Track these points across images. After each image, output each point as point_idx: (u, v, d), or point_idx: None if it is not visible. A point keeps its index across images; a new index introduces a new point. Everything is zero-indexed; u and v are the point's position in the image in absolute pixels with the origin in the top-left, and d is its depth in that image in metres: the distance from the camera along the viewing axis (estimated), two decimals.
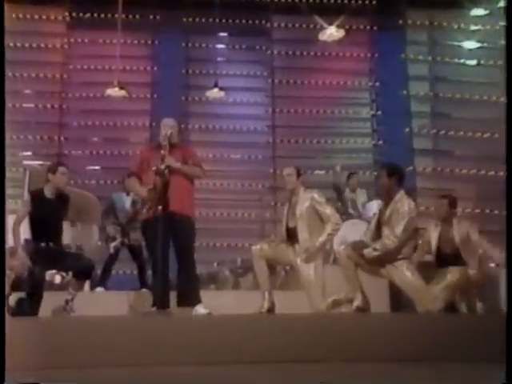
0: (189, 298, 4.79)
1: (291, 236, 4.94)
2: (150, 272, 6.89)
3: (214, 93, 10.43)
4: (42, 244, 5.00)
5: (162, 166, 4.65)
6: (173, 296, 4.81)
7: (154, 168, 4.65)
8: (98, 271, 7.03)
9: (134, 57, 11.08)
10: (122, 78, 9.86)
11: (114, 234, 7.02)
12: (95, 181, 10.29)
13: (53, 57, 11.03)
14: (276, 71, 11.33)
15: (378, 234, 4.59)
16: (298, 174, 5.06)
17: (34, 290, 4.86)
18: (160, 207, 4.51)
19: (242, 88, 11.18)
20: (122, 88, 9.70)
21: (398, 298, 4.62)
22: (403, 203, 4.47)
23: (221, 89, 10.36)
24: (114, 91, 9.77)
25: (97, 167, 10.55)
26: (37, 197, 5.11)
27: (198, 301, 4.81)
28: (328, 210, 4.88)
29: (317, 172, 10.61)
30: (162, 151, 4.77)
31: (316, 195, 4.93)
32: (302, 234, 4.86)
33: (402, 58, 11.11)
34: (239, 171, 10.74)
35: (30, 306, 4.80)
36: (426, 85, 11.25)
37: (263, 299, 4.82)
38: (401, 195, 4.55)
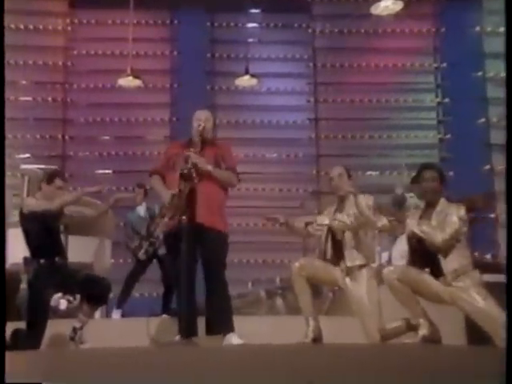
0: (219, 325, 4.80)
1: (337, 250, 4.88)
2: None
3: (245, 80, 10.48)
4: (42, 261, 5.01)
5: (188, 166, 4.65)
6: (201, 322, 4.86)
7: (179, 170, 4.67)
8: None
9: (149, 40, 11.22)
10: (136, 65, 9.95)
11: (140, 244, 7.21)
12: (106, 187, 10.40)
13: (53, 40, 11.26)
14: (318, 53, 11.36)
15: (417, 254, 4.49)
16: (349, 176, 5.03)
17: (36, 318, 4.88)
18: (184, 217, 4.52)
19: (277, 74, 11.24)
20: (136, 77, 9.80)
21: (479, 328, 4.46)
22: (452, 211, 4.41)
23: (253, 75, 10.40)
24: (126, 81, 9.86)
25: (108, 171, 10.70)
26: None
27: (230, 329, 4.80)
28: (372, 215, 4.77)
29: (369, 173, 10.57)
30: (191, 149, 4.80)
31: (368, 199, 4.83)
32: (350, 249, 4.82)
33: (476, 31, 10.96)
34: (276, 173, 10.79)
35: (29, 338, 4.81)
36: None
37: (307, 326, 4.72)
38: (446, 202, 4.50)
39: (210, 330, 4.82)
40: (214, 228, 4.87)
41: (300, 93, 11.22)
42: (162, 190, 4.96)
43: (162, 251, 7.10)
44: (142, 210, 7.41)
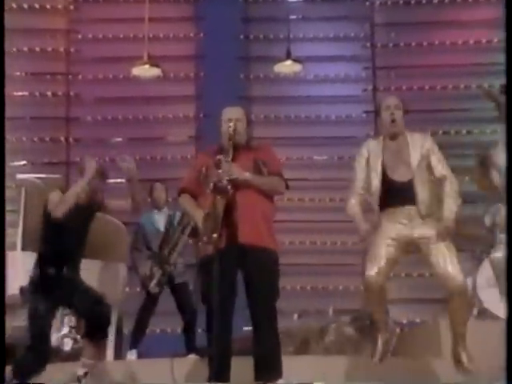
0: (267, 370, 4.78)
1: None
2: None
3: (287, 66, 10.40)
4: (51, 271, 5.10)
5: (224, 181, 4.69)
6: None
7: (211, 184, 4.70)
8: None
9: (170, 19, 11.29)
10: (154, 51, 9.92)
11: (151, 272, 7.15)
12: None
13: (53, 22, 11.36)
14: (378, 30, 11.29)
15: None
16: (406, 111, 5.29)
17: (35, 341, 4.96)
18: (215, 235, 4.61)
19: (326, 58, 11.22)
20: (154, 65, 9.81)
21: None
22: None
23: (296, 60, 10.31)
24: (142, 70, 9.87)
25: (121, 180, 10.52)
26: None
27: (278, 374, 4.80)
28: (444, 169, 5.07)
29: None
30: (221, 156, 4.85)
31: (429, 141, 5.14)
32: (422, 197, 4.95)
33: None
34: (326, 179, 10.68)
35: (28, 362, 4.94)
36: None
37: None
38: None
39: (259, 376, 4.80)
40: (261, 246, 4.90)
41: (355, 80, 11.13)
42: (194, 210, 5.03)
43: (179, 279, 7.22)
44: (161, 218, 7.40)
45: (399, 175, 5.06)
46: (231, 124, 4.96)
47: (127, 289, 7.92)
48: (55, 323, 5.95)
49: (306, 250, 9.97)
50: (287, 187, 5.18)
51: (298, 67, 10.41)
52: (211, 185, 4.68)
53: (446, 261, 4.82)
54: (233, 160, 4.86)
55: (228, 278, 4.72)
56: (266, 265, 4.92)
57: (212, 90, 10.49)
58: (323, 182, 10.68)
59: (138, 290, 8.14)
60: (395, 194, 5.04)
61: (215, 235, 4.61)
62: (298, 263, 10.05)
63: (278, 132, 10.75)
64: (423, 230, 4.93)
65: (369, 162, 5.15)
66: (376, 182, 5.07)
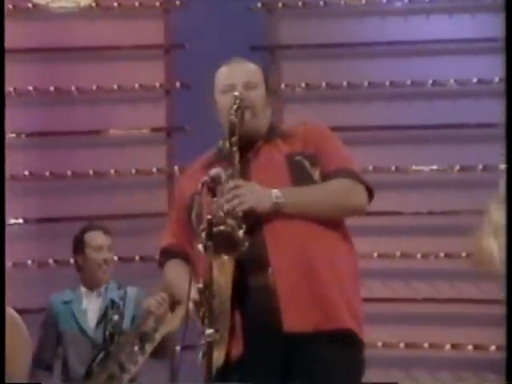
0: None
1: None
2: None
3: None
4: None
5: (228, 222, 4.58)
6: None
7: (201, 228, 4.53)
8: None
9: None
10: None
11: None
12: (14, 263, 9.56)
13: None
14: None
15: None
16: None
17: None
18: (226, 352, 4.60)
19: None
20: None
21: None
22: None
23: None
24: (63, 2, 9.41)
25: (15, 220, 9.65)
26: None
27: None
28: None
29: None
30: (219, 170, 4.76)
31: None
32: None
33: None
34: (444, 199, 9.49)
35: None
36: None
37: None
38: None
39: None
40: (330, 330, 4.66)
41: (486, 22, 9.72)
42: (178, 287, 5.04)
43: None
44: (95, 305, 7.46)
45: None
46: (236, 95, 4.82)
47: None
48: None
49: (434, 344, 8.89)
50: (371, 194, 4.85)
51: None
52: (201, 228, 4.50)
53: None
54: (243, 170, 4.77)
55: None
56: (341, 362, 4.70)
57: (198, 36, 9.54)
58: (438, 201, 9.47)
59: None
60: None
61: (212, 331, 4.38)
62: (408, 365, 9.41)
63: (332, 114, 9.35)
64: None
65: None
66: None
